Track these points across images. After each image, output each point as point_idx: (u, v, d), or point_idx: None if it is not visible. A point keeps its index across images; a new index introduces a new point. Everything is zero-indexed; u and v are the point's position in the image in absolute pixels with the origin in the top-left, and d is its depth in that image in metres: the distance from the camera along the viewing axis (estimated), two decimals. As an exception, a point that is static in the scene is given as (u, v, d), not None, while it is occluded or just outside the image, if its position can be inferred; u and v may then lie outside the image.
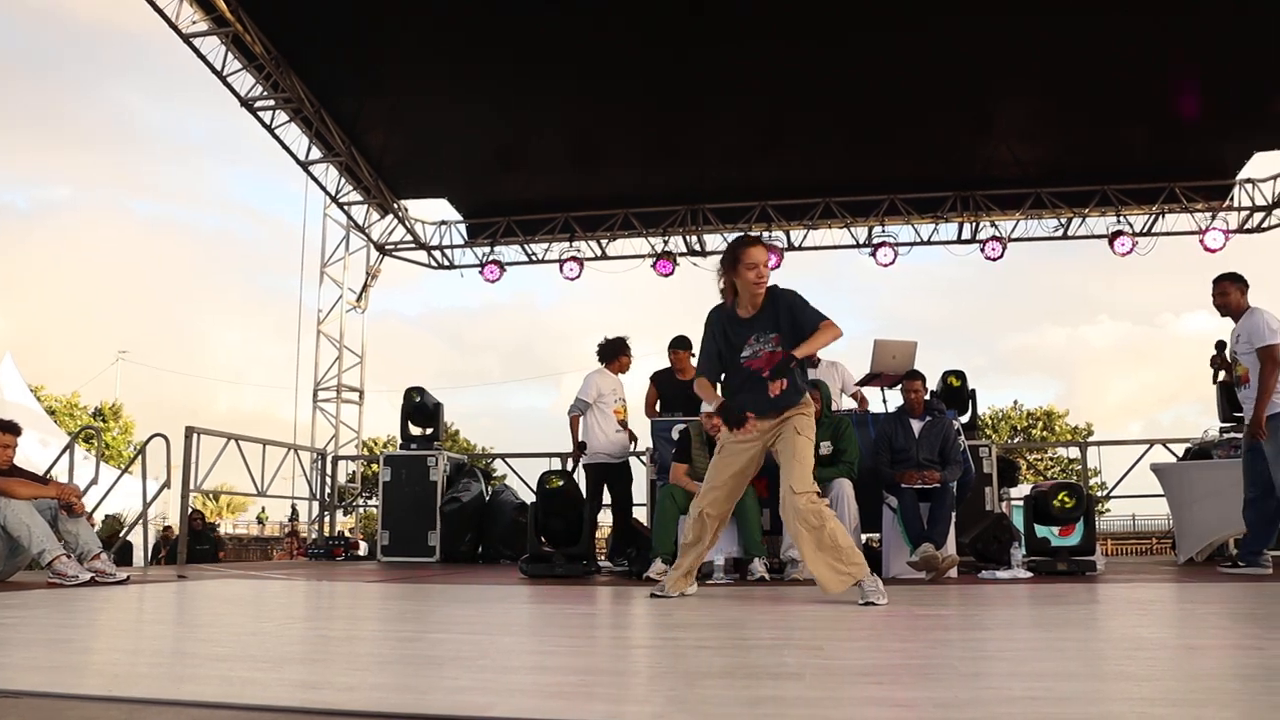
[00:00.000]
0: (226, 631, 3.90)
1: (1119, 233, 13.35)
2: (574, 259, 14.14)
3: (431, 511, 10.50)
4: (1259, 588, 5.72)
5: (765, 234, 13.96)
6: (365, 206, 14.09)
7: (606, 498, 8.74)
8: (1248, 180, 13.36)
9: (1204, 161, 13.05)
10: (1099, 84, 11.38)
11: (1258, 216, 13.52)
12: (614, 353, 8.73)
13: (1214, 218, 13.45)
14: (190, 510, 10.69)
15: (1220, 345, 7.11)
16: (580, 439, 8.65)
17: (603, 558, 9.00)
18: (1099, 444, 13.82)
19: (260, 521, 39.09)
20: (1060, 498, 7.46)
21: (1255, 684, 2.49)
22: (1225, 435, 9.22)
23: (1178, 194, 13.35)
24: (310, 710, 2.16)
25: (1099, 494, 14.76)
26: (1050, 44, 10.77)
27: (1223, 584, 6.23)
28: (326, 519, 12.86)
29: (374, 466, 14.20)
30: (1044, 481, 8.11)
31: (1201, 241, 13.27)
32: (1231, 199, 13.49)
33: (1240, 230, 13.57)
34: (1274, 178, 13.22)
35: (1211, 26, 10.45)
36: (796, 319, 5.04)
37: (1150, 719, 2.03)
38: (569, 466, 9.03)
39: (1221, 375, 8.59)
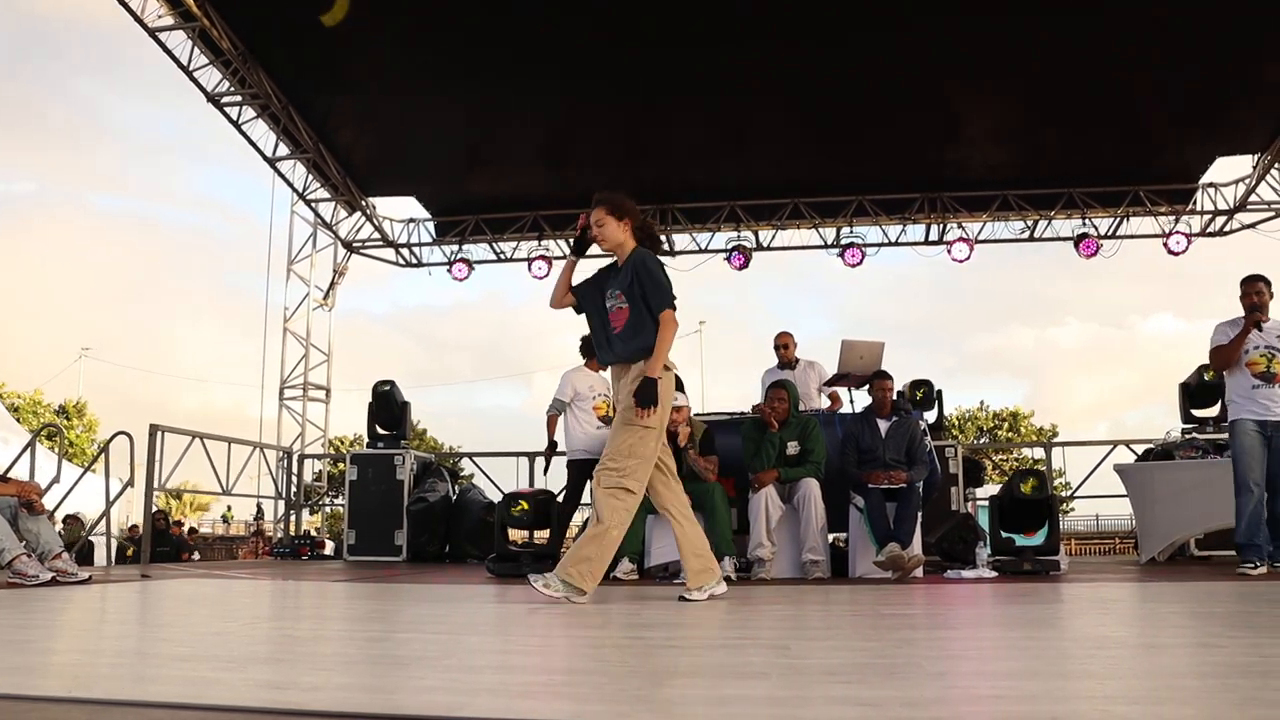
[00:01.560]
0: (190, 631, 3.86)
1: (1085, 235, 13.48)
2: (543, 258, 14.12)
3: (398, 511, 10.46)
4: (1220, 587, 5.79)
5: (735, 234, 13.99)
6: (333, 204, 14.02)
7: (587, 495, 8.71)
8: (1210, 184, 13.54)
9: (1168, 166, 13.23)
10: (1066, 88, 11.50)
11: (1220, 220, 13.69)
12: (591, 350, 8.69)
13: (1177, 221, 13.62)
14: (156, 509, 10.59)
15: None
16: (555, 438, 8.61)
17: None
18: (1063, 445, 13.97)
19: (225, 520, 38.80)
20: (1029, 484, 7.55)
21: (1214, 681, 2.51)
22: (1187, 436, 9.32)
23: (1142, 197, 13.50)
24: (275, 710, 2.14)
25: (1063, 494, 14.89)
26: (1018, 48, 10.87)
27: (1184, 583, 6.29)
28: (292, 518, 12.78)
29: (340, 465, 14.13)
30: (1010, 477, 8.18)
31: (1165, 244, 13.43)
32: (1194, 203, 13.66)
33: (1203, 234, 13.73)
34: (1236, 182, 13.39)
35: (1176, 35, 10.61)
36: (645, 292, 5.06)
37: (1112, 716, 2.05)
38: (544, 467, 8.98)
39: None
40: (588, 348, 8.68)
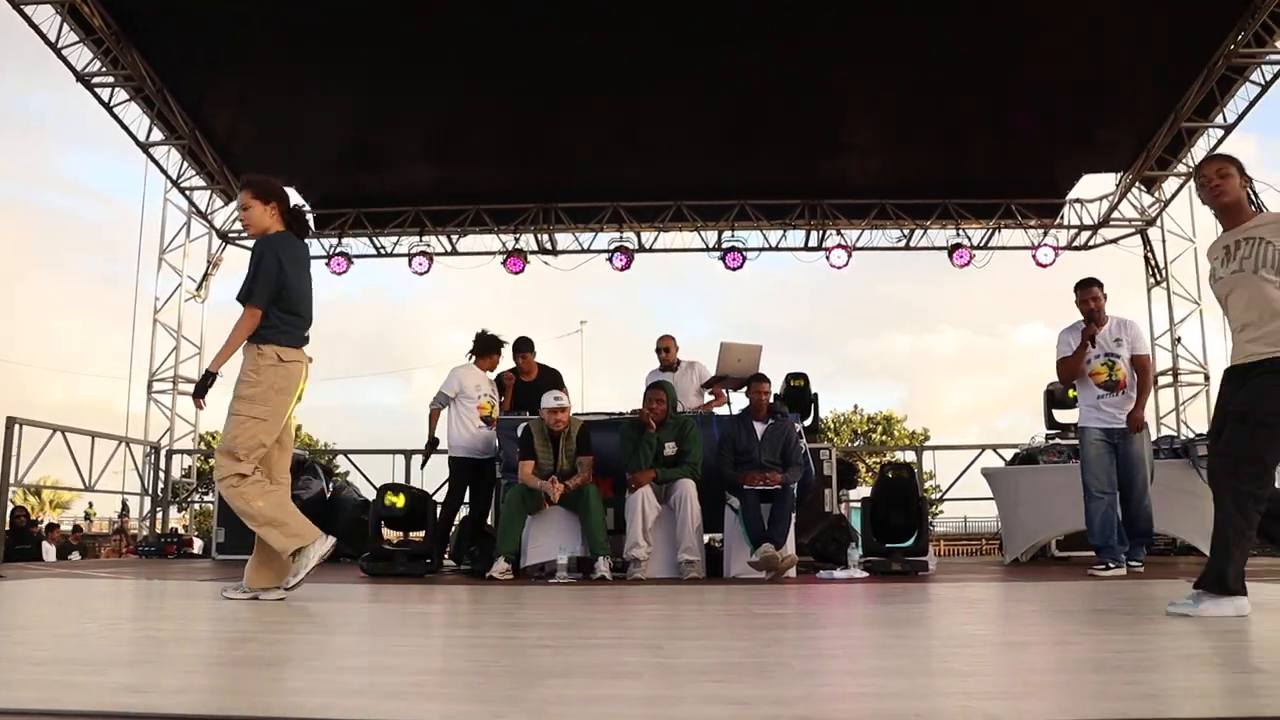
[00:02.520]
0: (47, 633, 3.72)
1: (958, 245, 13.85)
2: (424, 254, 13.97)
3: (270, 508, 10.20)
4: (1077, 587, 5.99)
5: (617, 234, 14.02)
6: (208, 192, 13.64)
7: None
8: (1077, 200, 14.05)
9: (1037, 181, 13.71)
10: (942, 103, 11.83)
11: (1085, 235, 14.21)
12: (488, 349, 8.58)
13: (1045, 234, 14.09)
14: (14, 506, 10.17)
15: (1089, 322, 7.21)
16: (437, 434, 8.48)
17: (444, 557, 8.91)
18: (934, 448, 14.34)
19: (88, 518, 37.43)
20: (896, 472, 7.75)
21: (1070, 676, 2.60)
22: (1050, 441, 9.63)
23: (1013, 210, 13.94)
24: (133, 715, 2.07)
25: (933, 496, 15.28)
26: (897, 62, 11.16)
27: (1045, 583, 6.50)
28: (159, 515, 12.39)
29: (211, 461, 13.75)
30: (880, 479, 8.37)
31: (1034, 256, 13.88)
32: (1061, 217, 14.15)
33: (1069, 247, 14.24)
34: (1100, 199, 13.94)
35: (1049, 59, 11.03)
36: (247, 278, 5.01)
37: (973, 712, 2.11)
38: (421, 462, 8.86)
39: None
40: (479, 346, 8.60)
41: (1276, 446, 4.01)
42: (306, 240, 5.36)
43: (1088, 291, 7.20)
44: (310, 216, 14.27)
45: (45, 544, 14.92)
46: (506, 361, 8.78)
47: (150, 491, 12.28)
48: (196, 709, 2.15)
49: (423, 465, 8.79)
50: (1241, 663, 2.82)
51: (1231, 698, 2.29)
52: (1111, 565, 6.97)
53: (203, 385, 4.94)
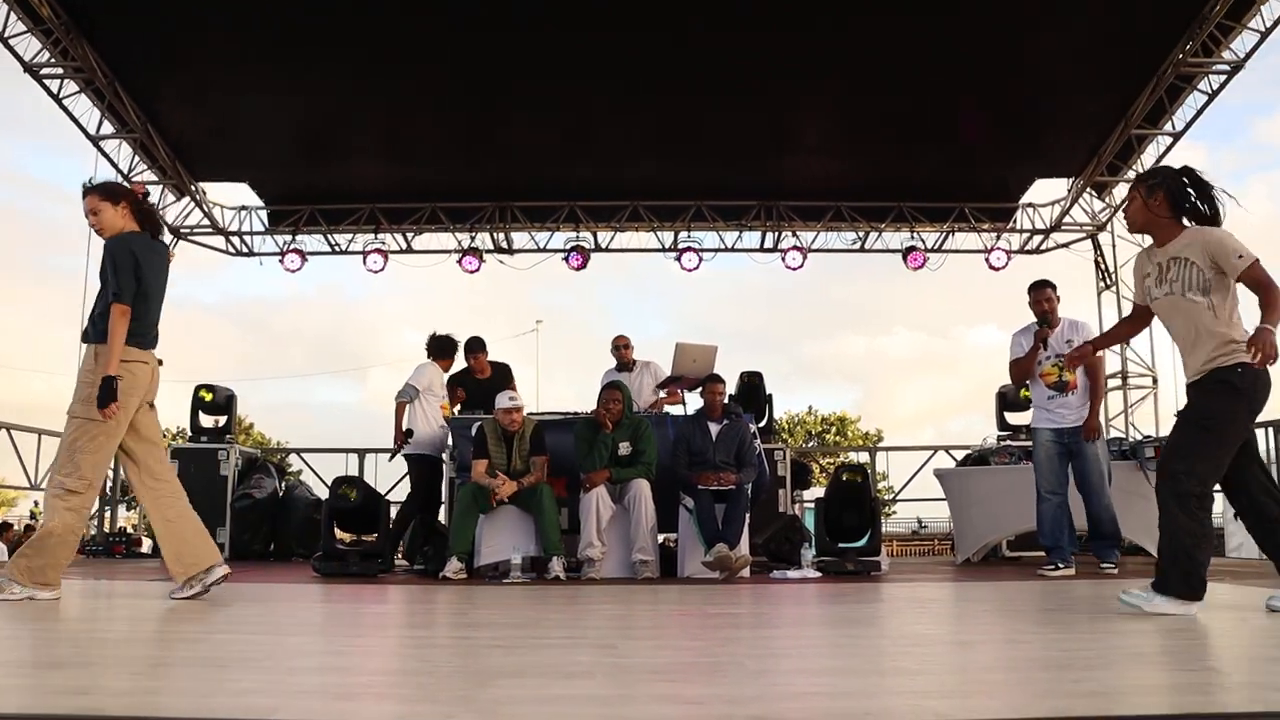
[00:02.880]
0: (-11, 633, 3.66)
1: (912, 248, 13.95)
2: (378, 251, 13.86)
3: (221, 507, 10.11)
4: (1027, 586, 6.06)
5: (574, 234, 14.00)
6: (160, 187, 13.44)
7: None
8: (1029, 204, 14.20)
9: (991, 185, 13.85)
10: (898, 108, 11.92)
11: (1037, 239, 14.37)
12: (447, 350, 8.58)
13: (998, 238, 14.24)
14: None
15: (1042, 325, 7.26)
16: (408, 426, 8.44)
17: (397, 556, 8.86)
18: (887, 449, 14.47)
19: (34, 517, 36.87)
20: (850, 474, 7.79)
21: (1018, 675, 2.64)
22: (1002, 443, 9.74)
23: (967, 214, 14.07)
24: (76, 717, 2.04)
25: (886, 497, 15.40)
26: (854, 65, 11.23)
27: (996, 582, 6.57)
28: (108, 514, 12.23)
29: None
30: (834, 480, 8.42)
31: (987, 260, 14.02)
32: (1014, 221, 14.30)
33: (1021, 251, 14.39)
34: (1052, 203, 14.10)
35: (1001, 65, 11.20)
36: (106, 278, 4.97)
37: (923, 710, 2.13)
38: (391, 455, 8.80)
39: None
40: (437, 347, 8.59)
41: (1213, 447, 4.11)
42: (164, 238, 5.27)
43: (1041, 293, 7.27)
44: (263, 214, 14.17)
45: None
46: (460, 362, 8.77)
47: (98, 490, 12.10)
48: (142, 710, 2.12)
49: (390, 458, 8.72)
50: (1189, 660, 2.86)
51: (1178, 695, 2.32)
52: (1060, 565, 7.05)
53: (105, 393, 4.73)
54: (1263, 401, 4.14)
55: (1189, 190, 4.31)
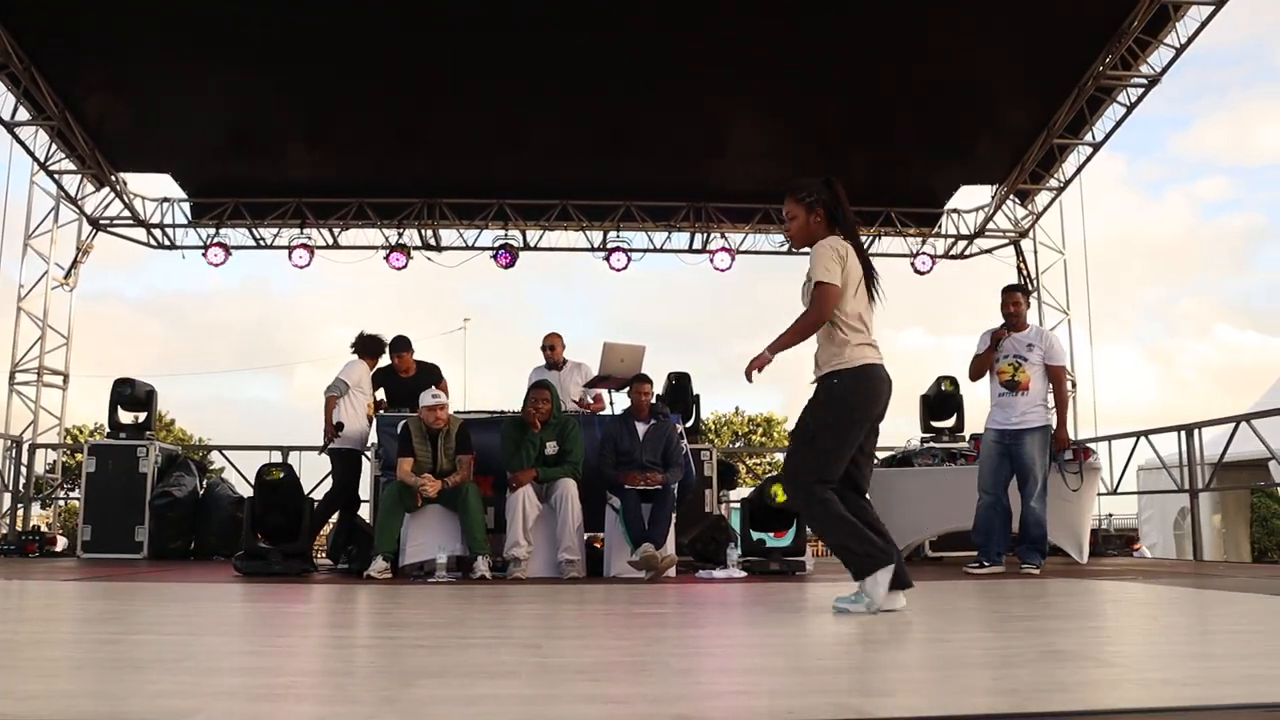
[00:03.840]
0: (-105, 634, 3.56)
1: (838, 251, 14.06)
2: (304, 246, 13.66)
3: (140, 505, 9.91)
4: (950, 586, 6.16)
5: (502, 232, 13.94)
6: (79, 177, 13.13)
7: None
8: (954, 210, 14.43)
9: (917, 190, 14.05)
10: (827, 111, 12.06)
11: (961, 244, 14.60)
12: (374, 349, 8.54)
13: (924, 242, 14.44)
14: None
15: (1006, 326, 7.39)
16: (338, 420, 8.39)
17: (320, 555, 8.78)
18: (813, 450, 14.55)
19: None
20: (774, 490, 7.84)
21: (939, 673, 2.68)
22: (925, 445, 9.88)
23: (893, 218, 14.25)
24: (-13, 719, 2.00)
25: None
26: (782, 68, 11.32)
27: (919, 582, 6.64)
28: (20, 512, 11.93)
29: (78, 456, 13.30)
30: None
31: (912, 264, 14.21)
32: (939, 226, 14.51)
33: (946, 255, 14.61)
34: (977, 209, 14.35)
35: (929, 72, 11.36)
36: None
37: (845, 708, 2.15)
38: (321, 449, 8.70)
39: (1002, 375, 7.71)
40: (364, 346, 8.54)
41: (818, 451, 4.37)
42: None
43: (1009, 296, 7.45)
44: (186, 206, 13.92)
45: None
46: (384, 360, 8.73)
47: (11, 487, 11.81)
48: (54, 714, 2.08)
49: (320, 451, 8.62)
50: (1103, 657, 2.93)
51: (1089, 691, 2.38)
52: (986, 564, 7.18)
53: None
54: (855, 407, 4.38)
55: (838, 200, 4.59)
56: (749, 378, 4.42)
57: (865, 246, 4.58)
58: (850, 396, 4.35)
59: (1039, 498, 7.17)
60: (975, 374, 7.57)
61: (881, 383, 4.44)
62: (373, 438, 8.37)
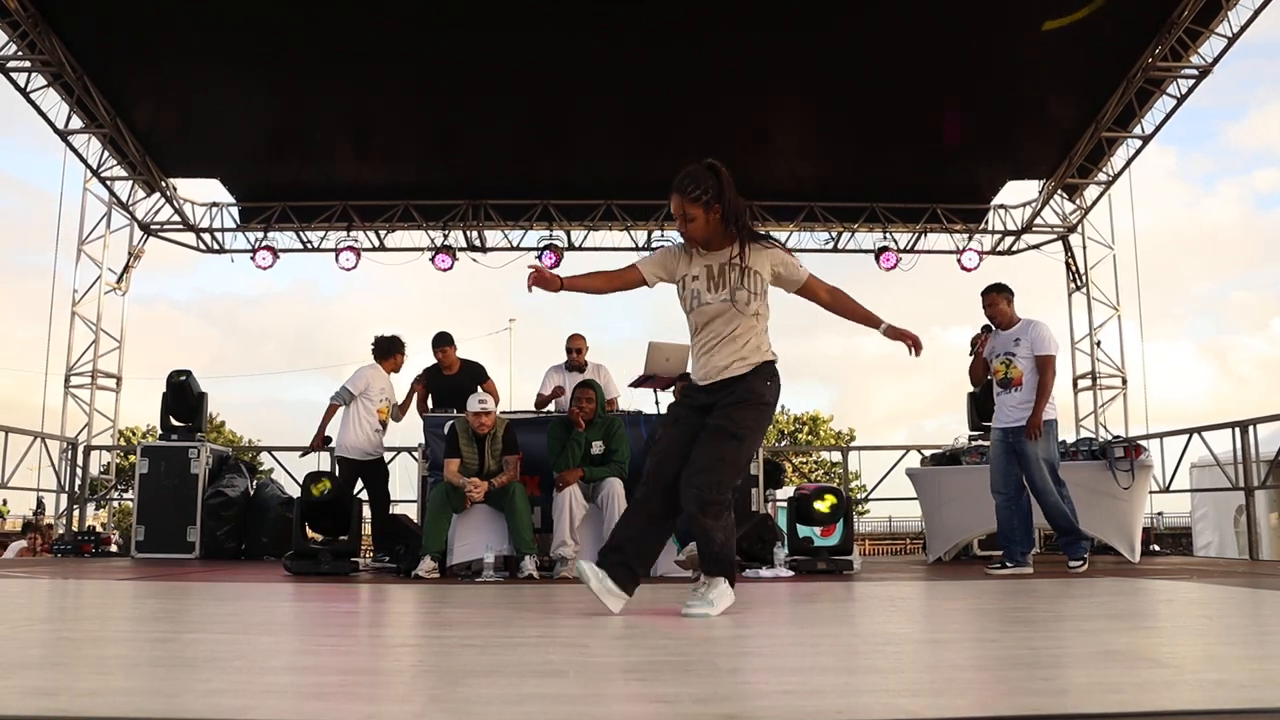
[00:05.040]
0: (-45, 633, 3.62)
1: (885, 249, 14.01)
2: (351, 248, 13.78)
3: (192, 506, 10.06)
4: (997, 585, 6.10)
5: (547, 232, 13.98)
6: (130, 183, 13.33)
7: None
8: (1000, 206, 14.28)
9: (962, 186, 13.93)
10: (870, 108, 11.98)
11: (1008, 240, 14.46)
12: (389, 350, 8.60)
13: (970, 239, 14.31)
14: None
15: (986, 328, 7.43)
16: (328, 432, 8.48)
17: (368, 556, 8.86)
18: (859, 449, 14.52)
19: (1, 516, 36.53)
20: (822, 500, 7.76)
21: (988, 673, 2.66)
22: (974, 442, 9.80)
23: (939, 215, 14.13)
24: (44, 718, 2.03)
25: (859, 496, 15.47)
26: (826, 66, 11.27)
27: (967, 581, 6.61)
28: (76, 513, 12.12)
29: (131, 458, 13.50)
30: (807, 485, 8.43)
31: (959, 260, 14.09)
32: (986, 222, 14.38)
33: (993, 252, 14.47)
34: (1024, 205, 14.19)
35: (974, 67, 11.28)
36: None
37: (894, 708, 2.14)
38: (303, 452, 8.83)
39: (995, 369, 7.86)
40: (381, 349, 8.60)
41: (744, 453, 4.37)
42: None
43: (986, 297, 7.46)
44: (235, 210, 14.08)
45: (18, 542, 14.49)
46: (423, 359, 8.82)
47: (67, 488, 12.00)
48: (111, 711, 2.11)
49: (302, 454, 8.74)
50: (1154, 657, 2.89)
51: (1143, 692, 2.34)
52: (1008, 565, 7.13)
53: None
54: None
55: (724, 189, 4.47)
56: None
57: (750, 234, 4.54)
58: (777, 395, 4.38)
59: (1051, 492, 7.10)
60: (973, 381, 7.60)
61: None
62: (419, 438, 8.44)
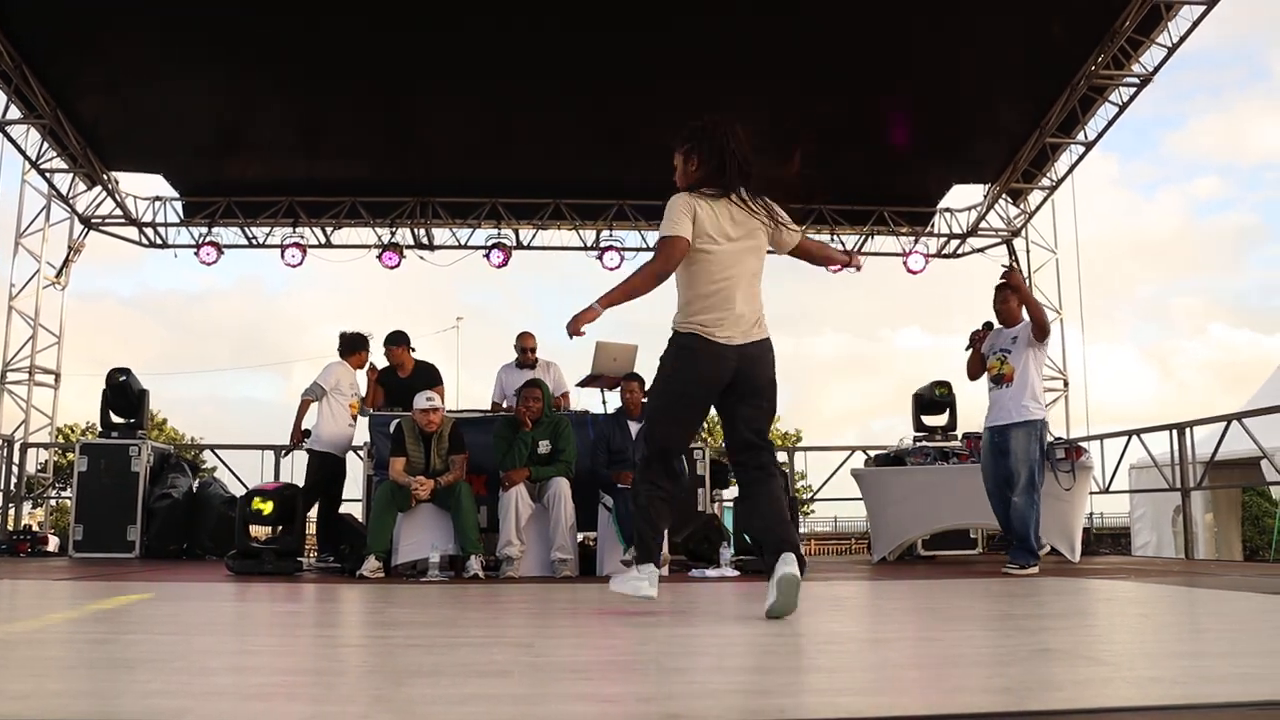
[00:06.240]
0: (-115, 634, 3.54)
1: (832, 250, 14.05)
2: (297, 245, 13.63)
3: (132, 504, 9.90)
4: (941, 585, 6.17)
5: (495, 231, 13.92)
6: (70, 175, 13.10)
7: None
8: (947, 209, 14.44)
9: (909, 190, 14.05)
10: (820, 110, 12.03)
11: (954, 243, 14.61)
12: (355, 347, 8.59)
13: (916, 242, 14.45)
14: None
15: (987, 325, 7.47)
16: (307, 426, 8.44)
17: (311, 556, 8.79)
18: (805, 449, 14.61)
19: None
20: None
21: (930, 671, 2.68)
22: (918, 444, 9.90)
23: (886, 217, 14.25)
24: (-23, 719, 1.99)
25: (804, 496, 15.57)
26: (778, 68, 11.29)
27: (910, 581, 6.67)
28: (12, 511, 11.90)
29: (70, 455, 13.27)
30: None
31: (905, 263, 14.22)
32: (932, 226, 14.52)
33: (939, 255, 14.62)
34: (969, 208, 14.34)
35: (923, 71, 11.40)
36: None
37: (836, 707, 2.16)
38: (285, 450, 8.76)
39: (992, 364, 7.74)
40: (346, 345, 8.57)
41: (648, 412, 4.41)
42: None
43: (999, 294, 7.52)
44: (178, 205, 13.90)
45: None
46: (377, 357, 8.76)
47: (2, 486, 11.78)
48: (44, 714, 2.07)
49: (285, 453, 8.67)
50: (1090, 656, 2.93)
51: (1081, 689, 2.38)
52: (1026, 565, 7.08)
53: None
54: (669, 378, 4.24)
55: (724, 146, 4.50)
56: (570, 334, 4.18)
57: (757, 203, 4.40)
58: (668, 362, 4.22)
59: (1023, 493, 7.08)
60: (971, 375, 7.62)
61: (697, 356, 4.12)
62: (364, 437, 8.39)
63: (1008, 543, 7.42)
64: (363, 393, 8.67)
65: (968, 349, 7.52)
